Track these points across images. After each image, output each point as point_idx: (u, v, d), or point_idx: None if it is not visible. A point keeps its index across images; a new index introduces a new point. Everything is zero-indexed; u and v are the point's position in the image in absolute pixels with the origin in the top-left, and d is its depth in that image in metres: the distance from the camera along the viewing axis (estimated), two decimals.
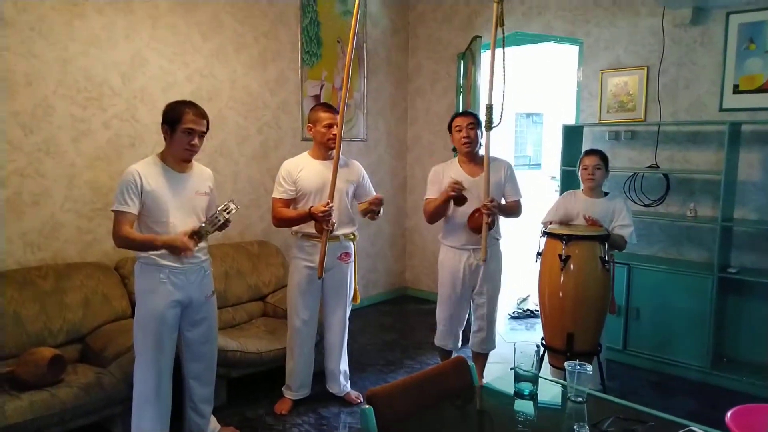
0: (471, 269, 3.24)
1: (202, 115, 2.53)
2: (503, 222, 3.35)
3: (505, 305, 5.42)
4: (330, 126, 3.07)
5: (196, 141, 2.52)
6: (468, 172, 3.22)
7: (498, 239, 3.30)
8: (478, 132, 3.20)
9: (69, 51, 3.24)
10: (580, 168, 3.33)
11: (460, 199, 3.06)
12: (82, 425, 2.66)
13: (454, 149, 3.36)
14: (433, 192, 3.24)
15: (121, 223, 2.40)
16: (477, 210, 3.07)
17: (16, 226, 3.11)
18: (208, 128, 2.58)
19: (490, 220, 3.02)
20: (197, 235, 2.44)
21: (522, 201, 3.31)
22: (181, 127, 2.47)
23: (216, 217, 2.46)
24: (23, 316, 2.85)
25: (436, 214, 3.20)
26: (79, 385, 2.64)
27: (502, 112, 3.00)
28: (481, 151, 3.15)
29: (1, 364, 2.71)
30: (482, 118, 3.07)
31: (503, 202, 3.25)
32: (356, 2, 2.82)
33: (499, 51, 2.94)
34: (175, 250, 2.41)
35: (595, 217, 3.22)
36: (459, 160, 3.28)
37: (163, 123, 2.51)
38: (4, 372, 2.64)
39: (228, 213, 2.47)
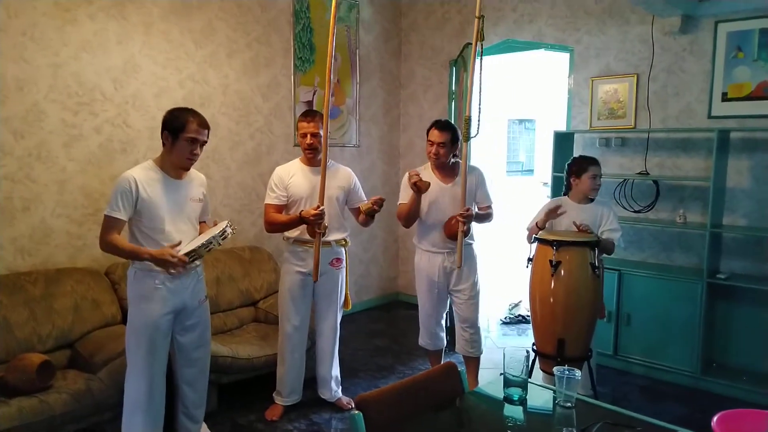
0: (446, 271, 3.31)
1: (204, 124, 2.54)
2: (476, 225, 3.39)
3: (497, 311, 5.43)
4: (305, 135, 3.08)
5: (197, 150, 2.53)
6: (440, 178, 3.28)
7: (471, 243, 3.37)
8: (450, 149, 3.23)
9: (60, 56, 3.24)
10: (588, 177, 3.34)
11: (421, 187, 3.06)
12: None
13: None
14: (406, 197, 3.26)
15: (110, 229, 2.40)
16: (453, 218, 3.15)
17: (6, 232, 3.09)
18: (208, 137, 2.58)
19: (465, 228, 3.11)
20: (191, 255, 2.43)
21: (493, 207, 3.39)
22: (185, 135, 2.46)
23: (211, 243, 2.45)
24: (12, 321, 2.83)
25: (410, 214, 3.25)
26: (69, 391, 2.62)
27: (479, 124, 3.06)
28: (456, 160, 3.21)
29: None
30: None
31: (476, 208, 3.30)
32: (333, 5, 2.79)
33: (478, 62, 2.99)
34: (163, 264, 2.39)
35: (584, 223, 3.23)
36: (431, 166, 3.33)
37: (164, 129, 2.50)
38: None
39: (223, 238, 2.48)
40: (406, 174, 3.34)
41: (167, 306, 2.53)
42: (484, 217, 3.34)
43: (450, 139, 3.21)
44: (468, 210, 3.09)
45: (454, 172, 3.29)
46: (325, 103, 2.95)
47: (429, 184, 3.09)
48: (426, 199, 3.23)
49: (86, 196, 3.39)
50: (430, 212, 3.26)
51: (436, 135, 3.22)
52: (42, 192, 3.22)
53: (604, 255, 3.27)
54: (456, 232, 3.12)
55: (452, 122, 3.56)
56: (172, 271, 2.41)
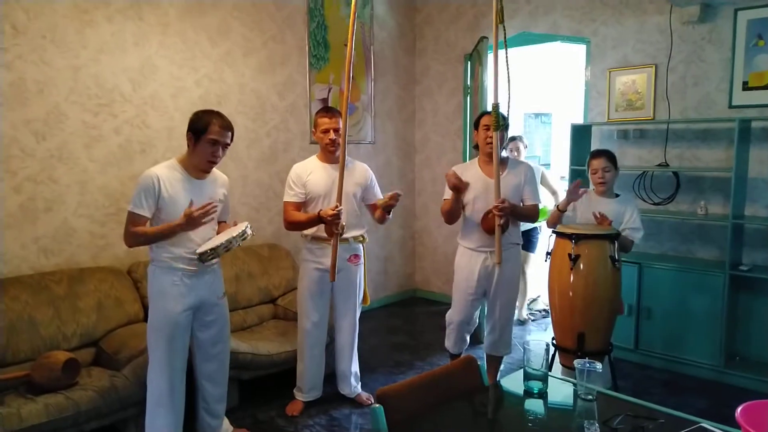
0: (487, 271, 3.17)
1: (227, 127, 2.55)
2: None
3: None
4: (327, 131, 3.09)
5: (219, 152, 2.55)
6: (487, 172, 3.14)
7: (518, 243, 3.25)
8: (505, 134, 3.15)
9: (80, 58, 3.29)
10: (590, 171, 3.30)
11: (459, 188, 3.03)
12: (96, 428, 2.69)
13: (476, 146, 3.27)
14: (449, 192, 3.18)
15: (133, 225, 2.44)
16: (490, 211, 3.01)
17: (30, 232, 3.15)
18: (232, 140, 2.60)
19: (502, 221, 2.97)
20: (211, 254, 2.46)
21: (540, 206, 3.24)
22: (206, 137, 2.49)
23: (231, 243, 2.47)
24: (37, 320, 2.88)
25: (451, 212, 3.17)
26: (94, 388, 2.67)
27: (508, 114, 2.99)
28: (503, 153, 3.11)
29: (17, 368, 2.75)
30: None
31: (521, 205, 3.19)
32: (353, 4, 2.81)
33: (501, 51, 2.87)
34: (191, 222, 2.41)
35: (603, 214, 3.20)
36: (479, 161, 3.22)
37: (188, 130, 2.53)
38: (19, 376, 2.68)
39: (243, 238, 2.51)
40: (452, 169, 3.21)
41: (186, 302, 2.56)
42: (528, 215, 3.19)
43: None
44: (503, 202, 2.94)
45: (504, 165, 3.13)
46: (344, 104, 2.97)
47: (468, 184, 3.04)
48: (470, 193, 3.12)
49: (107, 196, 3.44)
50: (474, 208, 3.13)
51: (487, 119, 3.08)
52: (64, 192, 3.27)
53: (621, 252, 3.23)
54: (492, 226, 2.99)
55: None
56: (197, 219, 2.42)
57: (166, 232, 2.46)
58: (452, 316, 3.34)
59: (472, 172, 3.18)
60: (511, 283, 3.23)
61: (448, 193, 3.19)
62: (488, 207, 3.04)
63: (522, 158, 4.70)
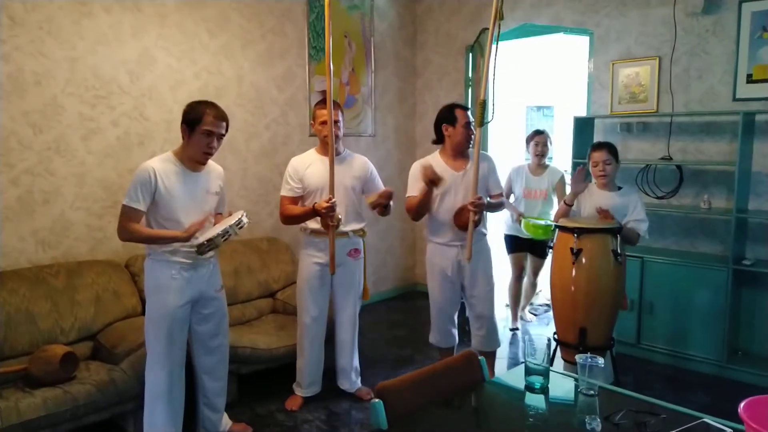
0: (459, 266, 3.15)
1: (221, 117, 2.52)
2: (489, 216, 3.31)
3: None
4: (324, 123, 3.05)
5: (214, 143, 2.52)
6: (452, 166, 3.13)
7: (485, 233, 3.25)
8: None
9: (77, 50, 3.26)
10: (590, 164, 3.27)
11: (435, 182, 2.97)
12: (95, 422, 2.67)
13: (434, 141, 3.23)
14: (416, 190, 3.14)
15: (128, 219, 2.41)
16: (463, 207, 3.01)
17: (27, 225, 3.13)
18: (227, 130, 2.57)
19: (477, 218, 2.99)
20: (208, 245, 2.44)
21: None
22: (200, 128, 2.46)
23: (227, 232, 2.45)
24: (35, 313, 2.87)
25: (421, 209, 3.12)
26: (92, 382, 2.65)
27: (494, 109, 2.98)
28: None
29: (15, 362, 2.74)
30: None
31: (487, 197, 3.19)
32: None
33: (494, 45, 2.88)
34: (184, 238, 2.41)
35: (609, 211, 3.17)
36: (442, 153, 3.19)
37: (182, 122, 2.50)
38: (17, 369, 2.66)
39: (239, 227, 2.49)
40: (414, 165, 3.21)
41: (184, 296, 2.54)
42: (497, 205, 3.24)
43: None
44: (479, 198, 2.96)
45: (467, 158, 3.15)
46: (328, 93, 2.94)
47: (442, 178, 2.99)
48: (438, 189, 3.09)
49: (105, 189, 3.42)
50: (442, 203, 3.11)
51: (467, 114, 3.09)
52: (61, 185, 3.25)
53: (627, 245, 3.20)
54: (467, 222, 3.00)
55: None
56: (193, 234, 2.43)
57: (163, 239, 2.43)
58: (432, 311, 3.31)
59: (436, 165, 3.12)
60: (485, 275, 3.20)
61: (413, 190, 3.15)
62: (457, 202, 3.05)
63: (548, 155, 4.53)
